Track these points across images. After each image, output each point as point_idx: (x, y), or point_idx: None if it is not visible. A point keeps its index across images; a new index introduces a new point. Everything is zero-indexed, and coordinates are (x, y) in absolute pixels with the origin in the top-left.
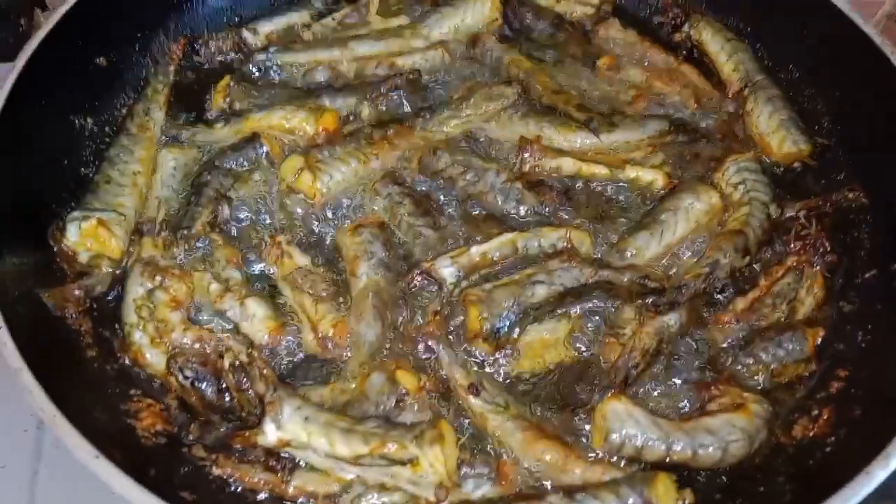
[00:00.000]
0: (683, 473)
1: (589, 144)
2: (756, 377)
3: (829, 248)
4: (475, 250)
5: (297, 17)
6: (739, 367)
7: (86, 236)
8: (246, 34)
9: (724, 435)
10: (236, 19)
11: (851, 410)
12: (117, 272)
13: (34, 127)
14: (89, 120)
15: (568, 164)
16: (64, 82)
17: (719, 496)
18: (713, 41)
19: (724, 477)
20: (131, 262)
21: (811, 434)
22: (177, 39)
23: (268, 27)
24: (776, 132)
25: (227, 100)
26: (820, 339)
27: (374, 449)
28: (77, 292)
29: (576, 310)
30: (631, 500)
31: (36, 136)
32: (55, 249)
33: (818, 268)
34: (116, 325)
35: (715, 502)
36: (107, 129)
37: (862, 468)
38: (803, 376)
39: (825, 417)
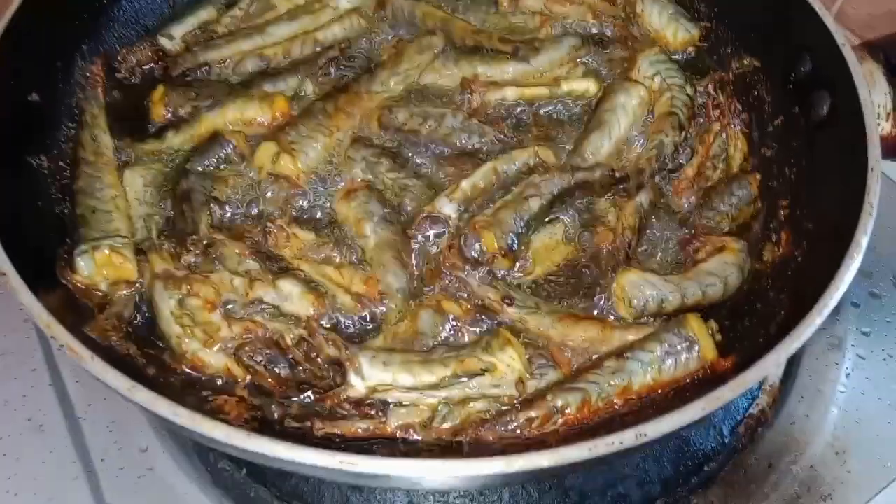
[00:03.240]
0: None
1: (521, 71)
2: (721, 224)
3: (740, 109)
4: (465, 184)
5: (205, 14)
6: (706, 221)
7: (101, 266)
8: (163, 41)
9: (721, 271)
10: (144, 30)
11: (803, 224)
12: (135, 294)
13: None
14: (44, 158)
15: (511, 93)
16: (11, 125)
17: (728, 322)
18: None
19: (725, 308)
20: (147, 280)
21: (780, 253)
22: (93, 61)
23: (181, 29)
24: (668, 25)
25: (168, 108)
26: (759, 181)
27: (455, 369)
28: (111, 321)
29: (566, 211)
30: (675, 341)
31: (6, 185)
32: (70, 287)
33: (738, 127)
34: (159, 342)
35: (729, 326)
36: (61, 163)
37: (842, 257)
38: (755, 214)
39: (784, 238)
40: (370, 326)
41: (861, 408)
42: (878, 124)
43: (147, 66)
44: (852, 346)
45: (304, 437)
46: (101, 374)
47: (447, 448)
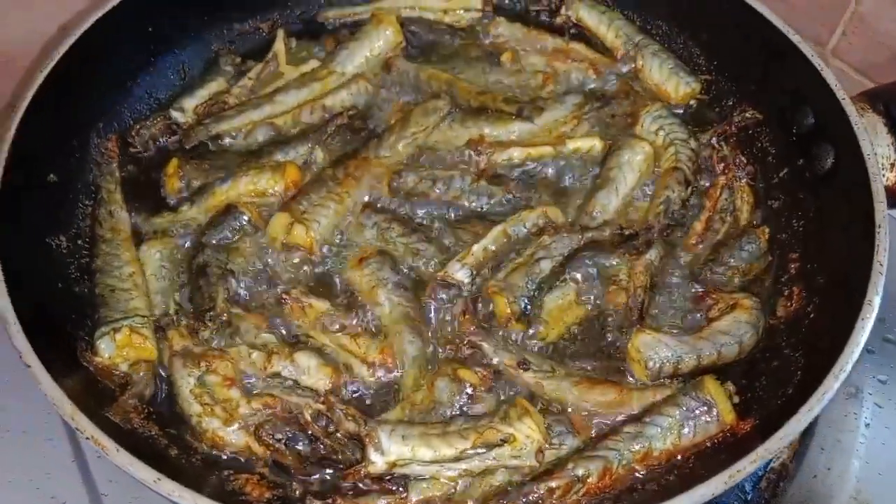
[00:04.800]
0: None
1: (526, 130)
2: (733, 279)
3: (745, 161)
4: (476, 248)
5: (215, 86)
6: (717, 276)
7: (122, 347)
8: (175, 114)
9: (736, 331)
10: (157, 105)
11: (815, 279)
12: (155, 373)
13: (20, 260)
14: (62, 238)
15: (517, 152)
16: (30, 206)
17: (745, 381)
18: (590, 16)
19: (741, 366)
20: (167, 358)
21: (792, 308)
22: (108, 137)
23: (192, 102)
24: (669, 79)
25: (183, 181)
26: (768, 235)
27: (474, 441)
28: (132, 402)
29: (576, 271)
30: (693, 404)
31: (25, 268)
32: (91, 369)
33: (743, 180)
34: (180, 419)
35: (746, 386)
36: (79, 242)
37: (857, 312)
38: (765, 268)
39: (797, 292)
40: (387, 397)
41: (882, 458)
42: (883, 175)
43: (160, 141)
44: (869, 394)
45: None
46: (126, 466)
47: None
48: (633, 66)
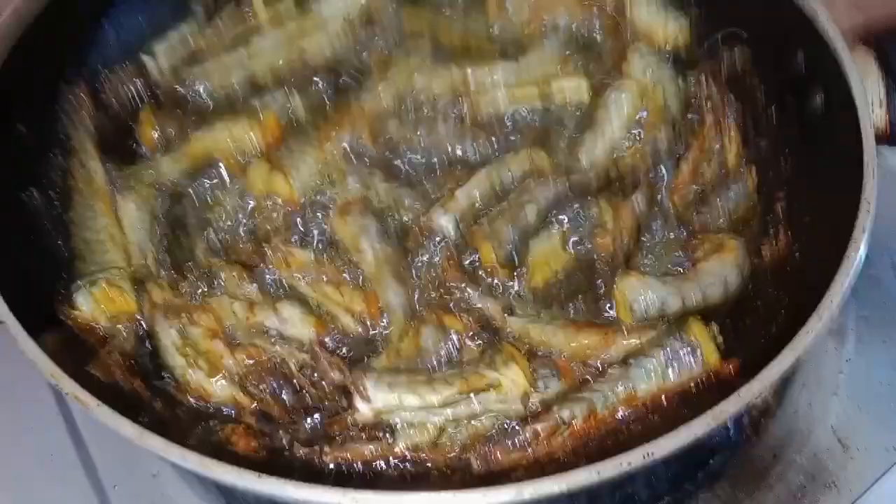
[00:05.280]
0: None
1: (511, 70)
2: (719, 222)
3: (733, 100)
4: (460, 193)
5: (185, 29)
6: (704, 219)
7: (99, 301)
8: (145, 59)
9: (721, 272)
10: (126, 49)
11: (801, 219)
12: (136, 326)
13: None
14: (34, 191)
15: (501, 95)
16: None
17: (730, 321)
18: None
19: (726, 307)
20: (147, 311)
21: (778, 249)
22: (78, 84)
23: (163, 46)
24: (657, 17)
25: (157, 130)
26: (755, 175)
27: (460, 387)
28: (114, 356)
29: (562, 217)
30: (677, 346)
31: None
32: (70, 324)
33: (731, 119)
34: (163, 373)
35: (730, 327)
36: (51, 193)
37: (843, 250)
38: (752, 210)
39: (782, 233)
40: (372, 345)
41: (862, 393)
42: (872, 111)
43: (131, 88)
44: (852, 330)
45: (314, 473)
46: (108, 421)
47: (457, 471)
48: (620, 5)
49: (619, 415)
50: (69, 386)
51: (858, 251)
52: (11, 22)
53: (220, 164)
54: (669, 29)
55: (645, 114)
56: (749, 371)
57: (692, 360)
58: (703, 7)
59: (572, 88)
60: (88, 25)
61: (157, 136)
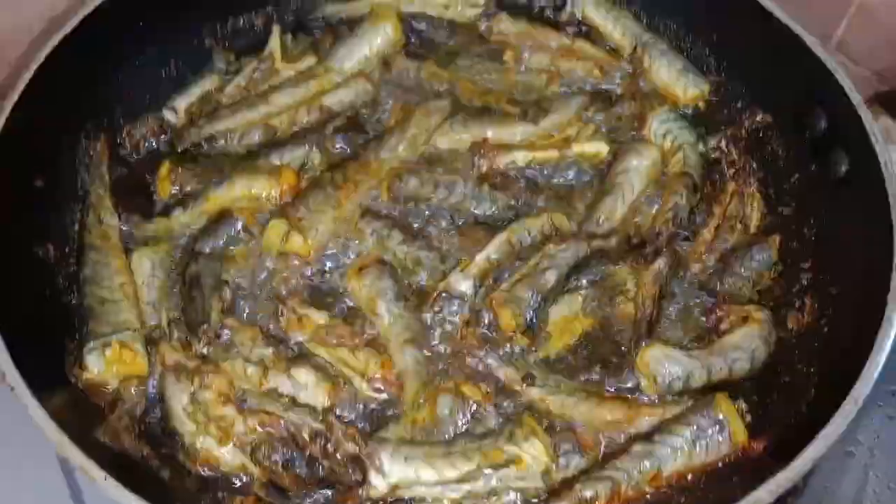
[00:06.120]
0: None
1: (531, 133)
2: (743, 290)
3: (755, 167)
4: (479, 258)
5: (208, 84)
6: (727, 286)
7: (111, 363)
8: (166, 114)
9: (747, 345)
10: (148, 103)
11: (827, 290)
12: (146, 388)
13: (5, 271)
14: (50, 246)
15: (520, 156)
16: (16, 213)
17: (756, 398)
18: (597, 13)
19: (752, 381)
20: (159, 373)
21: (805, 321)
22: (98, 138)
23: (184, 101)
24: (677, 80)
25: (176, 185)
26: (779, 243)
27: (479, 461)
28: (123, 420)
29: (582, 282)
30: (705, 423)
31: (10, 279)
32: (79, 385)
33: (753, 186)
34: (175, 438)
35: (757, 403)
36: (66, 249)
37: (878, 324)
38: (776, 278)
39: (809, 304)
40: (388, 413)
41: (893, 471)
42: None
43: (152, 142)
44: (879, 405)
45: None
46: (116, 496)
47: None
48: (640, 65)
49: (645, 495)
50: (77, 458)
51: (893, 329)
52: (33, 76)
53: (238, 222)
54: (689, 92)
55: (666, 178)
56: (778, 451)
57: (720, 437)
58: (724, 72)
59: (593, 153)
60: (112, 78)
61: (175, 191)
